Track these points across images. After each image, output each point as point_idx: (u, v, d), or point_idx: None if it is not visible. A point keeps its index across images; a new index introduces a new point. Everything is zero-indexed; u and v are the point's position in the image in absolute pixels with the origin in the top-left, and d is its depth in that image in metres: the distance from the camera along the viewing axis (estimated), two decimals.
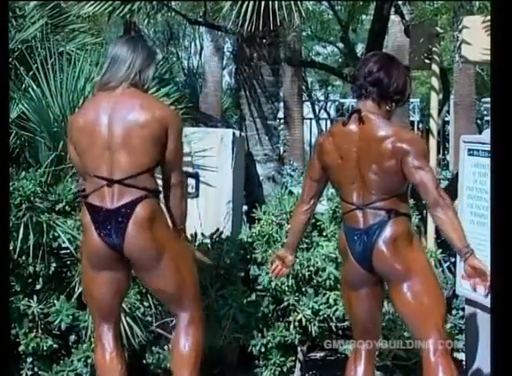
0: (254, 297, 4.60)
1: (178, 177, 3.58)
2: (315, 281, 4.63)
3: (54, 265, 4.41)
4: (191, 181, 4.80)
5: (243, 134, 5.70)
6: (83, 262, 3.67)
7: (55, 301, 4.41)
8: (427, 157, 3.55)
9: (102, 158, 3.47)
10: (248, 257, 4.71)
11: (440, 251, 5.09)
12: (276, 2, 5.16)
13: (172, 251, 3.56)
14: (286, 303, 4.60)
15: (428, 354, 3.42)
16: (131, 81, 3.53)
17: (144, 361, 4.53)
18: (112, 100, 3.50)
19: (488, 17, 4.92)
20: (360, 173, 3.43)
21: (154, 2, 5.86)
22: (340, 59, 17.70)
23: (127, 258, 3.57)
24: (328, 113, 19.00)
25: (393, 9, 7.70)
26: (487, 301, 4.06)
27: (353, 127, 3.45)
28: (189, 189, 4.81)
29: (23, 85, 4.79)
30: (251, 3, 5.16)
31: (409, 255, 3.46)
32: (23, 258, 4.35)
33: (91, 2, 5.60)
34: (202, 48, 16.36)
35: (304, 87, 17.63)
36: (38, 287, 4.48)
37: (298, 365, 4.76)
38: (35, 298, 4.44)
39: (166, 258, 3.53)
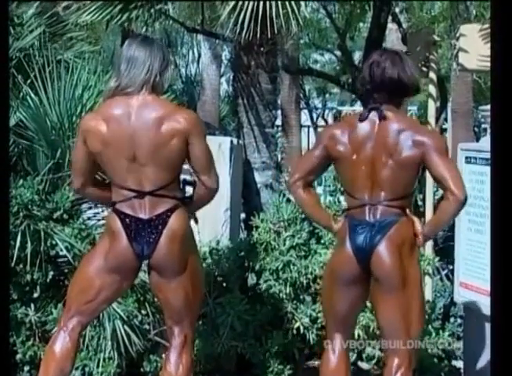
0: (251, 305, 4.59)
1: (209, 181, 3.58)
2: (312, 289, 4.62)
3: (51, 273, 4.41)
4: (189, 188, 4.78)
5: (240, 142, 5.70)
6: (94, 262, 3.53)
7: (53, 310, 4.40)
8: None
9: (129, 171, 3.42)
10: (246, 265, 4.70)
11: (438, 258, 5.08)
12: (274, 10, 5.17)
13: (192, 268, 3.55)
14: (284, 311, 4.60)
15: (391, 367, 3.45)
16: (151, 85, 3.42)
17: (142, 369, 4.52)
18: (134, 111, 3.40)
19: (485, 25, 4.93)
20: (374, 170, 3.39)
21: (152, 10, 5.86)
22: (337, 67, 17.72)
23: (139, 269, 3.57)
24: (326, 121, 19.02)
25: (390, 17, 7.72)
26: (485, 309, 4.06)
27: (371, 122, 3.41)
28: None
29: (21, 93, 4.79)
30: (249, 11, 5.17)
31: (409, 264, 3.43)
32: (21, 266, 4.35)
33: (90, 11, 5.61)
34: (200, 56, 16.34)
35: (301, 95, 17.62)
36: (36, 295, 4.47)
37: (296, 373, 4.75)
38: (33, 306, 4.44)
39: (185, 274, 3.51)
